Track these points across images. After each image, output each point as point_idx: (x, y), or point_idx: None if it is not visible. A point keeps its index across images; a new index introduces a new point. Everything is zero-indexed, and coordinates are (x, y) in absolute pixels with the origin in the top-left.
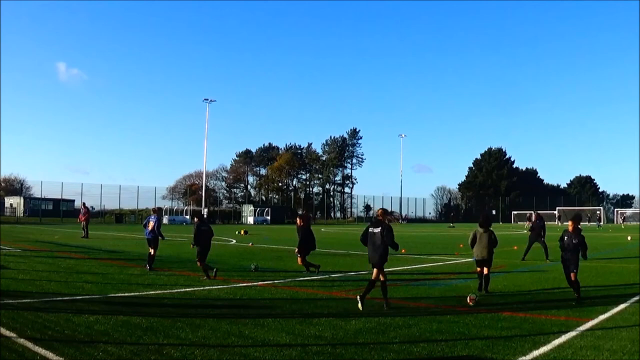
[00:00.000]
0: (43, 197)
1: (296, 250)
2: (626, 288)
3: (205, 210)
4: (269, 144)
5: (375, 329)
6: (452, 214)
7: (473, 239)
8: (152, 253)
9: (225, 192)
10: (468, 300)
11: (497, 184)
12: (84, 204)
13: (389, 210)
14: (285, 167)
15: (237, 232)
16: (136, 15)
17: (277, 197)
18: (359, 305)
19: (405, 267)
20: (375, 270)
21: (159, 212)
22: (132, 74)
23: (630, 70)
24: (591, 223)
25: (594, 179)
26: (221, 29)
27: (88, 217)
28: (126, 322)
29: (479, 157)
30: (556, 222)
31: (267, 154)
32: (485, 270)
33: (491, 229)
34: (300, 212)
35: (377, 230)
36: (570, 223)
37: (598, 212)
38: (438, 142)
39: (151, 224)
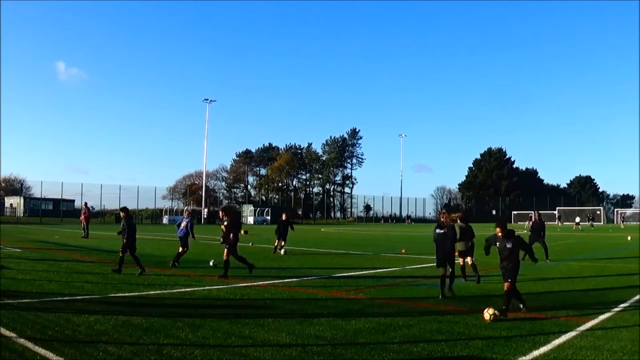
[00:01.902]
0: (43, 197)
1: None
2: (626, 288)
3: (206, 210)
4: (269, 144)
5: (375, 329)
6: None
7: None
8: (180, 251)
9: (225, 192)
10: (487, 316)
11: (497, 184)
12: (85, 204)
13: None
14: (285, 167)
15: None
16: (136, 14)
17: (277, 197)
18: (440, 296)
19: (406, 267)
20: (444, 267)
21: (192, 214)
22: (132, 74)
23: (630, 70)
24: (593, 222)
25: (594, 179)
26: (221, 29)
27: (88, 216)
28: (126, 322)
29: (479, 157)
30: (556, 222)
31: (267, 154)
32: (462, 261)
33: (469, 224)
34: (224, 207)
35: (443, 230)
36: (497, 230)
37: (596, 212)
38: (438, 142)
39: (183, 223)
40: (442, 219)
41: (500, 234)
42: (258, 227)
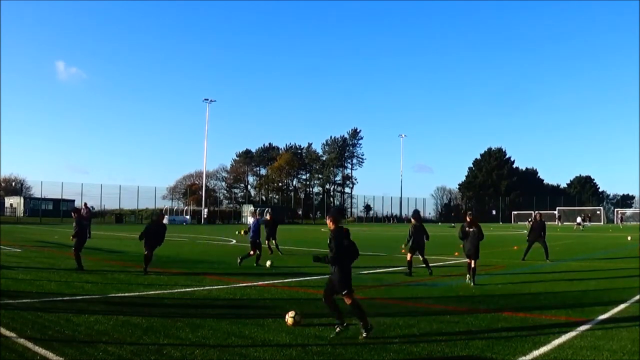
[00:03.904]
0: (43, 197)
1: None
2: (626, 288)
3: (205, 210)
4: (269, 144)
5: (375, 329)
6: (453, 214)
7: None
8: (251, 253)
9: (225, 192)
10: (290, 320)
11: (497, 184)
12: (85, 204)
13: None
14: (285, 167)
15: (237, 232)
16: (136, 14)
17: (277, 197)
18: (471, 284)
19: (406, 267)
20: (469, 259)
21: (256, 215)
22: (131, 74)
23: (630, 70)
24: (585, 223)
25: (594, 179)
26: (221, 29)
27: (89, 217)
28: (126, 322)
29: (479, 157)
30: (556, 222)
31: (267, 154)
32: (422, 256)
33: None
34: (76, 207)
35: (473, 229)
36: (328, 222)
37: (596, 212)
38: (438, 142)
39: (251, 226)
40: (468, 219)
41: (329, 226)
42: None
